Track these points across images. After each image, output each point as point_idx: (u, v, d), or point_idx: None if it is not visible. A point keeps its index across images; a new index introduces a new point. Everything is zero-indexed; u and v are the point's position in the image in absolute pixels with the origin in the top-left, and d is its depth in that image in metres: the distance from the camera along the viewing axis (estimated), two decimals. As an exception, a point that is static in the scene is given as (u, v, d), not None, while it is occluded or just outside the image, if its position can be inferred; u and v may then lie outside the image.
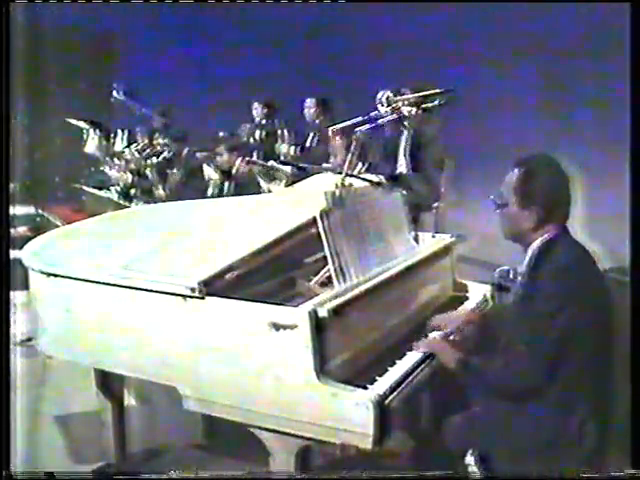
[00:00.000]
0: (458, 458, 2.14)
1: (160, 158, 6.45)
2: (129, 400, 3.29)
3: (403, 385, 2.17)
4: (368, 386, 2.09)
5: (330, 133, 2.98)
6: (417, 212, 4.13)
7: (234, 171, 5.49)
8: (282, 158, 5.74)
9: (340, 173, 2.64)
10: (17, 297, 3.05)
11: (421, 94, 3.24)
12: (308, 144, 5.75)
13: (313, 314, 2.05)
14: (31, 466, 2.87)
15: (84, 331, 2.52)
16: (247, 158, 5.42)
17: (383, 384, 2.13)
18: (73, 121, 8.02)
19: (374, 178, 2.89)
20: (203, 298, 2.19)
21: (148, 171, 6.52)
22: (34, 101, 7.44)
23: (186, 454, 3.14)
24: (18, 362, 3.60)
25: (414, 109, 3.12)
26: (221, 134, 6.44)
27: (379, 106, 3.57)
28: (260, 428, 2.16)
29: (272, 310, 2.11)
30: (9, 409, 2.45)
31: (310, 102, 5.75)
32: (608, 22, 4.47)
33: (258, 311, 2.12)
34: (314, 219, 2.39)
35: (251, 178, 5.29)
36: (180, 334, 2.24)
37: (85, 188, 7.90)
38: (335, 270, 2.36)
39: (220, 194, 5.57)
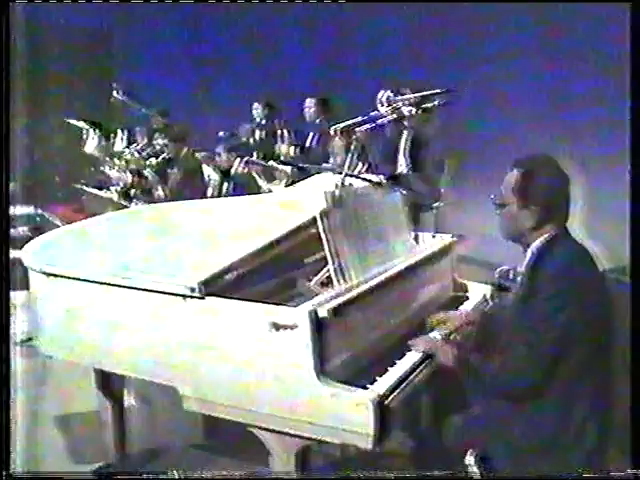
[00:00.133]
0: (458, 458, 2.14)
1: (159, 159, 6.45)
2: (129, 400, 3.29)
3: (403, 385, 2.17)
4: (368, 386, 2.08)
5: (332, 132, 2.98)
6: (417, 212, 4.13)
7: (232, 171, 5.49)
8: (282, 158, 5.74)
9: (340, 173, 2.64)
10: (17, 297, 3.04)
11: (421, 94, 3.24)
12: (308, 144, 5.75)
13: (313, 314, 2.05)
14: (31, 466, 2.87)
15: (84, 331, 2.52)
16: (247, 158, 5.42)
17: (383, 384, 2.13)
18: (73, 121, 8.02)
19: (374, 178, 2.89)
20: (203, 298, 2.19)
21: (147, 171, 6.52)
22: (34, 101, 7.43)
23: (186, 454, 3.14)
24: (18, 362, 3.60)
25: (414, 109, 3.12)
26: (221, 134, 6.44)
27: (379, 106, 3.58)
28: (260, 428, 2.16)
29: (272, 310, 2.11)
30: (9, 409, 2.45)
31: (310, 102, 5.75)
32: (608, 22, 4.47)
33: (258, 311, 2.12)
34: (314, 219, 2.39)
35: (250, 178, 5.30)
36: (180, 334, 2.24)
37: (85, 188, 7.89)
38: (335, 270, 2.36)
39: (219, 194, 5.58)
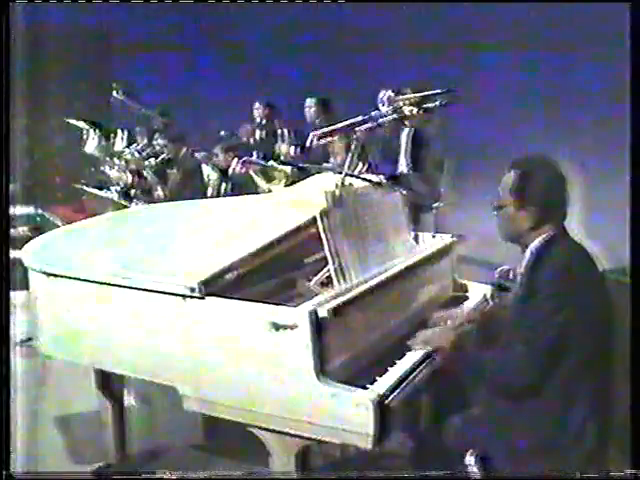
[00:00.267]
0: (458, 458, 2.14)
1: (158, 159, 6.45)
2: (129, 400, 3.29)
3: (403, 385, 2.17)
4: (368, 386, 2.08)
5: (310, 139, 2.96)
6: (417, 212, 4.13)
7: (230, 171, 5.49)
8: (282, 158, 5.74)
9: (340, 173, 2.64)
10: (17, 297, 3.04)
11: (422, 94, 3.23)
12: (308, 144, 5.75)
13: (313, 314, 2.05)
14: (31, 466, 2.87)
15: (84, 331, 2.52)
16: (245, 158, 5.42)
17: (383, 384, 2.13)
18: (73, 121, 8.02)
19: (374, 178, 2.89)
20: (203, 298, 2.19)
21: (147, 172, 6.52)
22: (34, 101, 7.43)
23: (186, 454, 3.14)
24: (18, 362, 3.60)
25: (415, 109, 3.11)
26: (222, 133, 6.44)
27: (380, 106, 3.57)
28: (260, 428, 2.16)
29: (272, 310, 2.11)
30: (9, 409, 2.44)
31: (310, 102, 5.75)
32: (608, 22, 4.47)
33: (258, 311, 2.12)
34: (314, 219, 2.39)
35: (248, 178, 5.30)
36: (180, 334, 2.24)
37: (85, 188, 7.89)
38: (335, 270, 2.36)
39: (219, 194, 5.58)
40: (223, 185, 5.61)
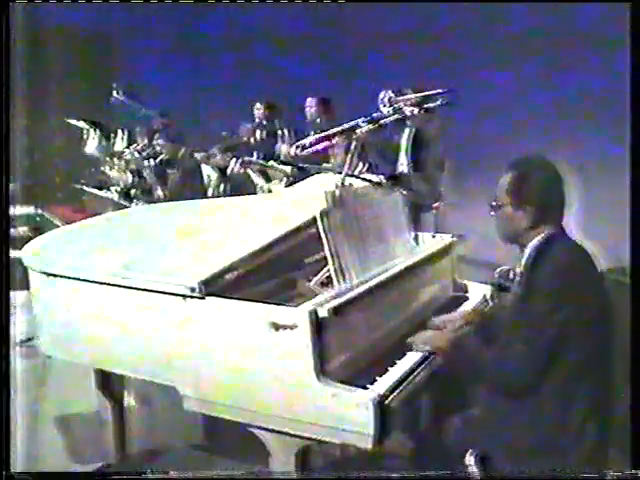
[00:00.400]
0: (458, 458, 2.14)
1: (158, 160, 6.45)
2: (129, 400, 3.29)
3: (403, 385, 2.17)
4: (368, 386, 2.09)
5: (294, 150, 2.95)
6: (417, 212, 4.13)
7: (228, 172, 5.49)
8: (282, 158, 5.74)
9: (340, 173, 2.64)
10: (17, 297, 3.04)
11: (423, 94, 3.23)
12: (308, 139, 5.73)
13: (313, 314, 2.05)
14: (31, 466, 2.87)
15: (84, 331, 2.52)
16: (243, 158, 5.42)
17: (383, 384, 2.13)
18: (73, 121, 8.03)
19: (374, 178, 2.89)
20: (203, 298, 2.19)
21: (146, 173, 6.52)
22: (34, 101, 7.43)
23: (186, 454, 3.14)
24: (18, 362, 3.60)
25: (416, 109, 3.11)
26: (224, 134, 6.44)
27: (381, 106, 3.57)
28: (260, 428, 2.16)
29: (272, 310, 2.11)
30: (9, 409, 2.44)
31: (311, 101, 5.75)
32: (608, 22, 4.47)
33: (258, 311, 2.12)
34: (314, 219, 2.39)
35: (247, 178, 5.30)
36: (180, 334, 2.24)
37: (85, 188, 7.91)
38: (335, 270, 2.36)
39: (218, 194, 5.58)
40: (222, 185, 5.62)
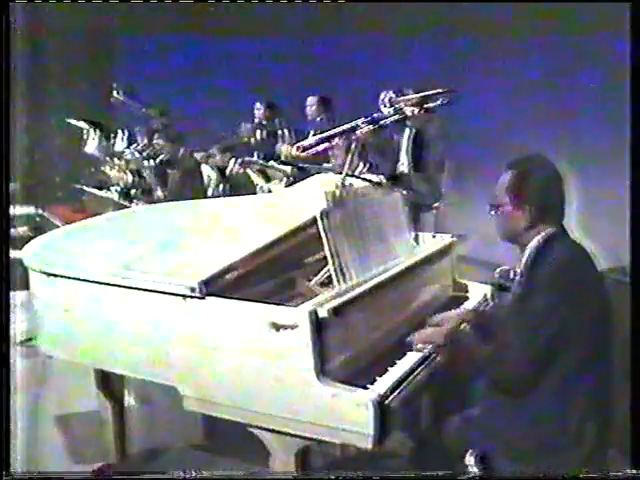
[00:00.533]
0: (458, 458, 2.14)
1: (157, 160, 6.45)
2: (129, 400, 3.29)
3: (403, 385, 2.17)
4: (368, 386, 2.08)
5: (295, 150, 2.96)
6: (417, 212, 4.13)
7: (228, 172, 5.49)
8: (282, 158, 5.74)
9: (340, 173, 2.64)
10: (17, 297, 3.04)
11: (423, 94, 3.24)
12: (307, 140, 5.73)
13: (313, 314, 2.05)
14: (31, 466, 2.87)
15: (84, 331, 2.52)
16: (242, 158, 5.42)
17: (383, 384, 2.13)
18: (73, 121, 8.02)
19: (374, 178, 2.89)
20: (203, 298, 2.19)
21: (146, 173, 6.52)
22: (34, 101, 7.43)
23: (186, 454, 3.14)
24: (18, 362, 3.60)
25: (416, 109, 3.11)
26: (223, 134, 6.45)
27: (382, 107, 3.58)
28: (260, 428, 2.16)
29: (272, 310, 2.11)
30: (9, 409, 2.44)
31: (312, 100, 5.76)
32: (608, 22, 4.47)
33: (258, 311, 2.12)
34: (314, 219, 2.38)
35: (247, 178, 5.30)
36: (180, 334, 2.24)
37: (85, 188, 7.91)
38: (335, 270, 2.36)
39: (218, 194, 5.58)
40: (222, 185, 5.62)
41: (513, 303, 2.24)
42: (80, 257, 2.72)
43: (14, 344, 3.53)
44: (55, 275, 2.59)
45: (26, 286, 2.77)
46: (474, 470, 2.11)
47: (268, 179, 5.10)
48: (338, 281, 2.35)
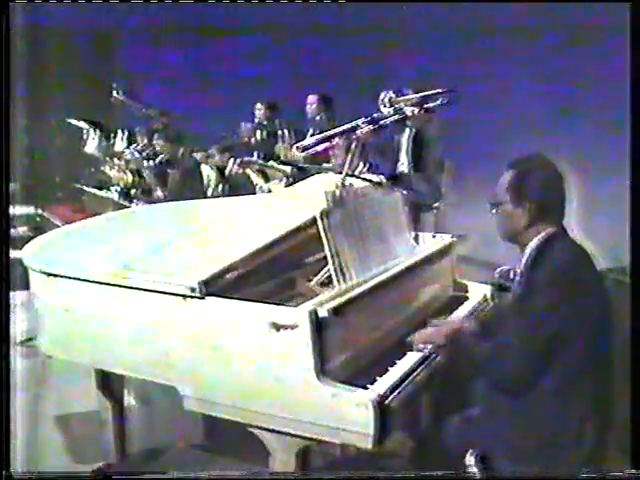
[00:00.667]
0: (458, 458, 2.14)
1: (157, 160, 6.46)
2: (129, 400, 3.29)
3: (403, 385, 2.17)
4: (368, 386, 2.08)
5: (294, 150, 2.96)
6: (417, 212, 4.13)
7: (227, 172, 5.49)
8: (282, 158, 5.75)
9: (340, 173, 2.64)
10: (17, 297, 3.04)
11: (423, 94, 3.24)
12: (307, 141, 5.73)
13: (313, 314, 2.05)
14: (31, 466, 2.87)
15: (84, 331, 2.52)
16: (242, 158, 5.42)
17: (383, 384, 2.13)
18: (73, 121, 8.03)
19: (374, 178, 2.88)
20: (203, 298, 2.19)
21: (146, 173, 6.53)
22: (34, 101, 7.43)
23: (186, 454, 3.14)
24: (18, 362, 3.60)
25: (416, 109, 3.11)
26: (222, 134, 6.45)
27: (382, 107, 3.58)
28: (260, 428, 2.16)
29: (272, 310, 2.11)
30: (9, 409, 2.44)
31: (312, 98, 5.77)
32: (608, 22, 4.47)
33: (258, 311, 2.12)
34: (314, 219, 2.39)
35: (247, 178, 5.30)
36: (180, 334, 2.24)
37: (85, 188, 7.92)
38: (335, 270, 2.36)
39: (217, 194, 5.58)
40: (221, 185, 5.62)
41: (513, 303, 2.24)
42: (80, 257, 2.72)
43: (14, 344, 3.54)
44: (55, 275, 2.59)
45: (26, 286, 2.77)
46: (474, 470, 2.11)
47: (267, 179, 5.11)
48: (338, 281, 2.35)
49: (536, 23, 5.40)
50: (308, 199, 2.54)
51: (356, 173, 3.37)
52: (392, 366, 2.26)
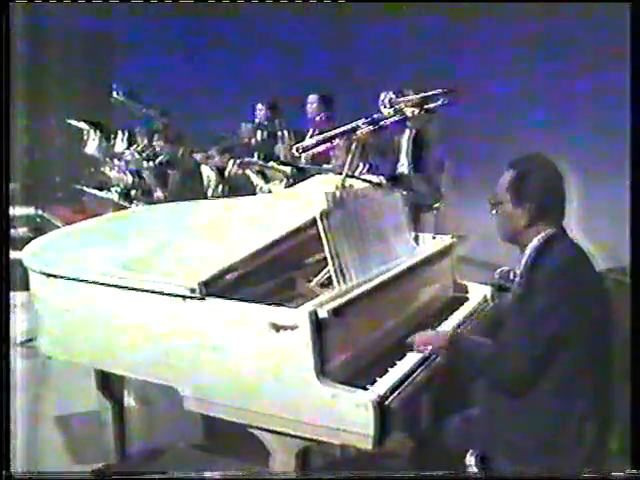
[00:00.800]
0: (458, 458, 2.14)
1: (157, 161, 6.46)
2: (129, 400, 3.29)
3: (403, 386, 2.17)
4: (368, 387, 2.08)
5: (295, 151, 2.96)
6: (417, 212, 4.13)
7: (227, 173, 5.49)
8: (282, 159, 5.74)
9: (340, 174, 2.64)
10: (17, 297, 3.04)
11: (423, 94, 3.23)
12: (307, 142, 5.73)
13: (313, 315, 2.05)
14: (31, 466, 2.87)
15: (84, 331, 2.52)
16: (246, 159, 5.42)
17: (383, 385, 2.12)
18: (73, 122, 8.04)
19: (374, 179, 2.89)
20: (203, 299, 2.19)
21: (145, 174, 6.53)
22: (34, 101, 7.44)
23: (186, 454, 3.14)
24: (18, 362, 3.60)
25: (417, 110, 3.11)
26: (222, 135, 6.45)
27: (381, 107, 3.57)
28: (260, 428, 2.16)
29: (272, 311, 2.11)
30: (9, 409, 2.45)
31: (313, 98, 5.77)
32: (608, 22, 4.47)
33: (258, 312, 2.12)
34: (314, 220, 2.38)
35: (247, 179, 5.30)
36: (180, 334, 2.24)
37: (85, 189, 7.92)
38: (335, 271, 2.36)
39: (217, 195, 5.58)
40: (221, 186, 5.62)
41: (513, 304, 2.24)
42: (80, 258, 2.72)
43: (14, 344, 3.54)
44: (55, 276, 2.59)
45: (26, 286, 2.77)
46: (474, 470, 2.11)
47: (267, 180, 5.11)
48: (338, 282, 2.35)
49: (536, 23, 5.40)
50: (308, 200, 2.54)
51: (356, 174, 3.37)
52: (392, 367, 2.26)
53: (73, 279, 2.52)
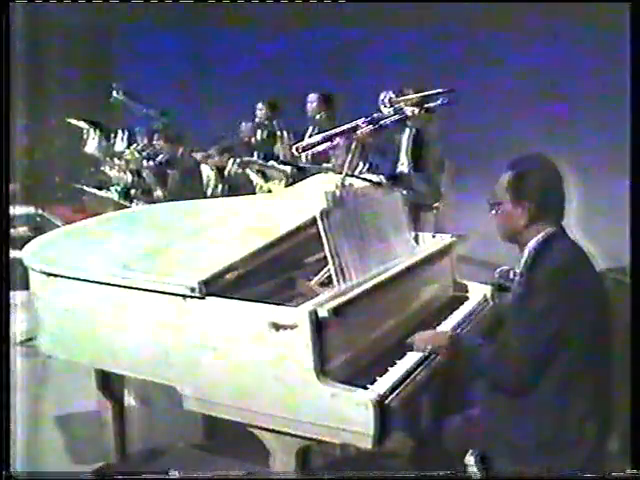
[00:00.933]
0: (458, 458, 2.14)
1: (157, 161, 6.46)
2: (129, 400, 3.29)
3: (403, 385, 2.17)
4: (368, 386, 2.08)
5: (294, 151, 2.96)
6: (417, 212, 4.13)
7: (226, 172, 5.50)
8: (282, 158, 5.75)
9: (340, 173, 2.64)
10: (17, 297, 3.04)
11: (423, 94, 3.23)
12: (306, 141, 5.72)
13: (313, 314, 2.04)
14: (31, 466, 2.87)
15: (84, 331, 2.52)
16: (245, 158, 5.42)
17: (383, 384, 2.12)
18: (73, 121, 8.04)
19: (374, 178, 2.89)
20: (203, 298, 2.19)
21: (145, 173, 6.53)
22: (34, 101, 7.43)
23: (186, 454, 3.14)
24: (18, 362, 3.60)
25: (417, 109, 3.11)
26: (222, 134, 6.45)
27: (382, 107, 3.57)
28: (260, 428, 2.15)
29: (272, 310, 2.11)
30: (9, 409, 2.44)
31: (313, 97, 5.76)
32: (608, 22, 4.47)
33: (258, 311, 2.12)
34: (314, 219, 2.38)
35: (247, 179, 5.30)
36: (180, 334, 2.24)
37: (85, 188, 7.93)
38: (335, 270, 2.36)
39: (217, 195, 5.59)
40: (220, 186, 5.62)
41: (513, 303, 2.24)
42: (80, 257, 2.72)
43: (14, 344, 3.54)
44: (55, 275, 2.59)
45: (26, 286, 2.77)
46: (474, 470, 2.11)
47: (267, 179, 5.11)
48: (338, 281, 2.35)
49: (537, 23, 5.40)
50: (308, 199, 2.54)
51: (356, 173, 3.37)
52: (392, 366, 2.26)
53: (73, 278, 2.52)
